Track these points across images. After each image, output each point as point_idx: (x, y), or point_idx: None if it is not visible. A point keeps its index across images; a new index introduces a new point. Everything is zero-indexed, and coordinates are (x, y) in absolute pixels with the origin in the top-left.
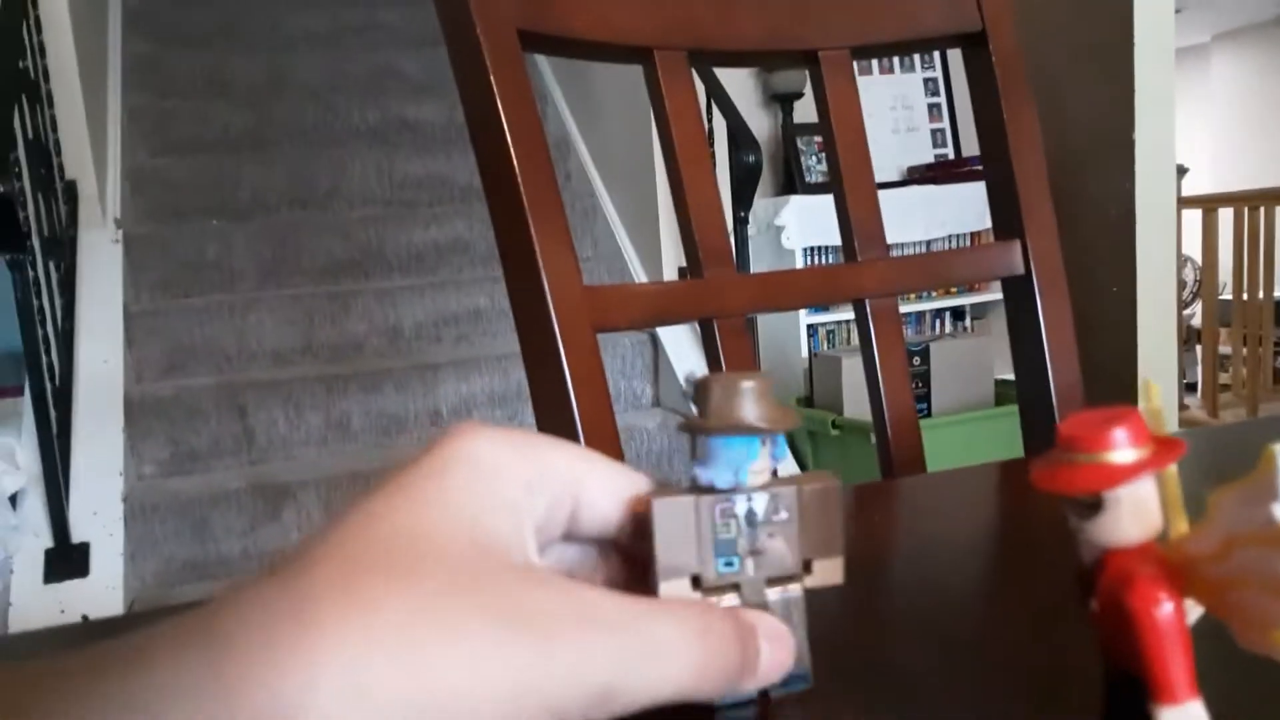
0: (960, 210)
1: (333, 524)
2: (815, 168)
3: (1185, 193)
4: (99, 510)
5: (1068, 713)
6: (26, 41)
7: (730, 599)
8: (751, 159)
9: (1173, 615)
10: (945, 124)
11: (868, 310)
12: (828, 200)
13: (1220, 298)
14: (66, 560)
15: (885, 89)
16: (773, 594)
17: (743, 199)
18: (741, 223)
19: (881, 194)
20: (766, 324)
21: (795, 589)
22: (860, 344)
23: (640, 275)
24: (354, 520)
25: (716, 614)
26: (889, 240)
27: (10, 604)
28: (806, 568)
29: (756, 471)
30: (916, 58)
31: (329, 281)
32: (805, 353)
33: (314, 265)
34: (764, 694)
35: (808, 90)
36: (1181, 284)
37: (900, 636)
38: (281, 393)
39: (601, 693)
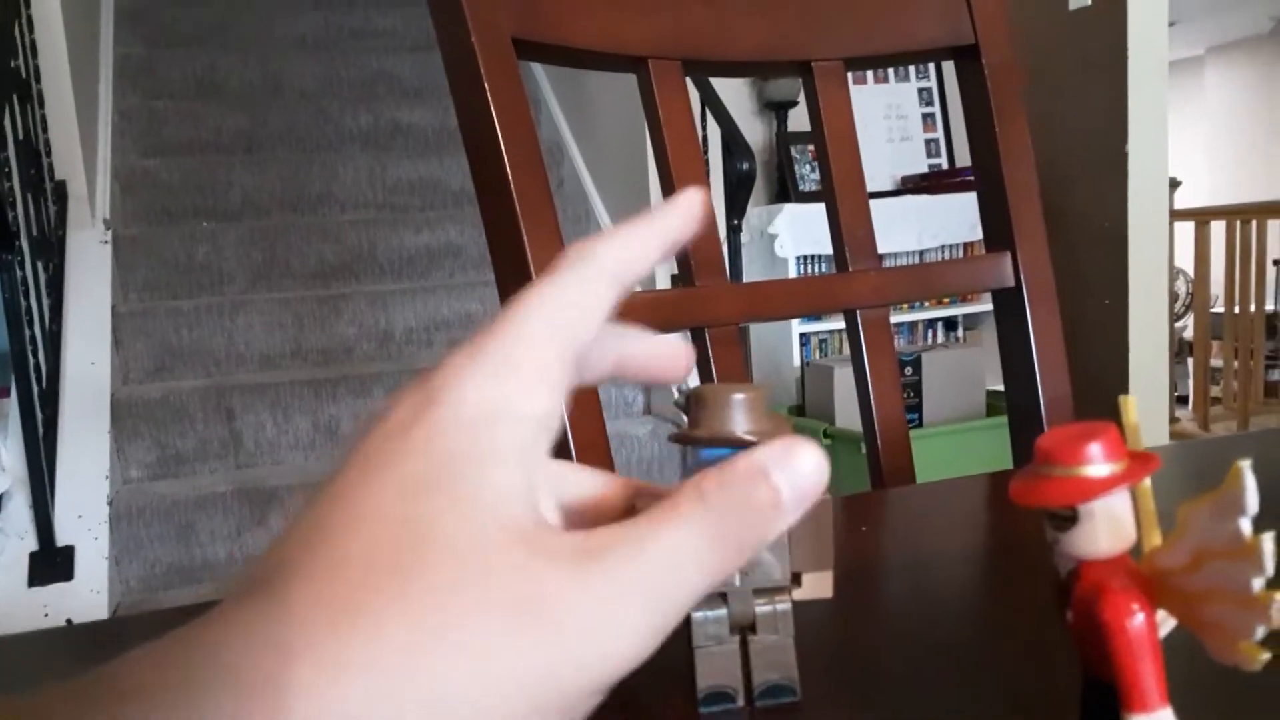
0: (953, 220)
1: (315, 525)
2: (809, 176)
3: (1178, 205)
4: (84, 513)
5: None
6: (18, 41)
7: (719, 611)
8: (745, 167)
9: (1144, 626)
10: (939, 134)
11: (859, 320)
12: (821, 209)
13: (1212, 311)
14: (51, 563)
15: (879, 98)
16: (760, 605)
17: (736, 207)
18: (735, 230)
19: (874, 203)
20: (759, 333)
21: (784, 601)
22: (851, 354)
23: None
24: (340, 523)
25: (721, 495)
26: (881, 250)
27: None
28: (796, 580)
29: None
30: (911, 68)
31: (319, 285)
32: (797, 362)
33: (304, 268)
34: (748, 702)
35: (802, 98)
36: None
37: (884, 645)
38: (270, 396)
39: (644, 643)
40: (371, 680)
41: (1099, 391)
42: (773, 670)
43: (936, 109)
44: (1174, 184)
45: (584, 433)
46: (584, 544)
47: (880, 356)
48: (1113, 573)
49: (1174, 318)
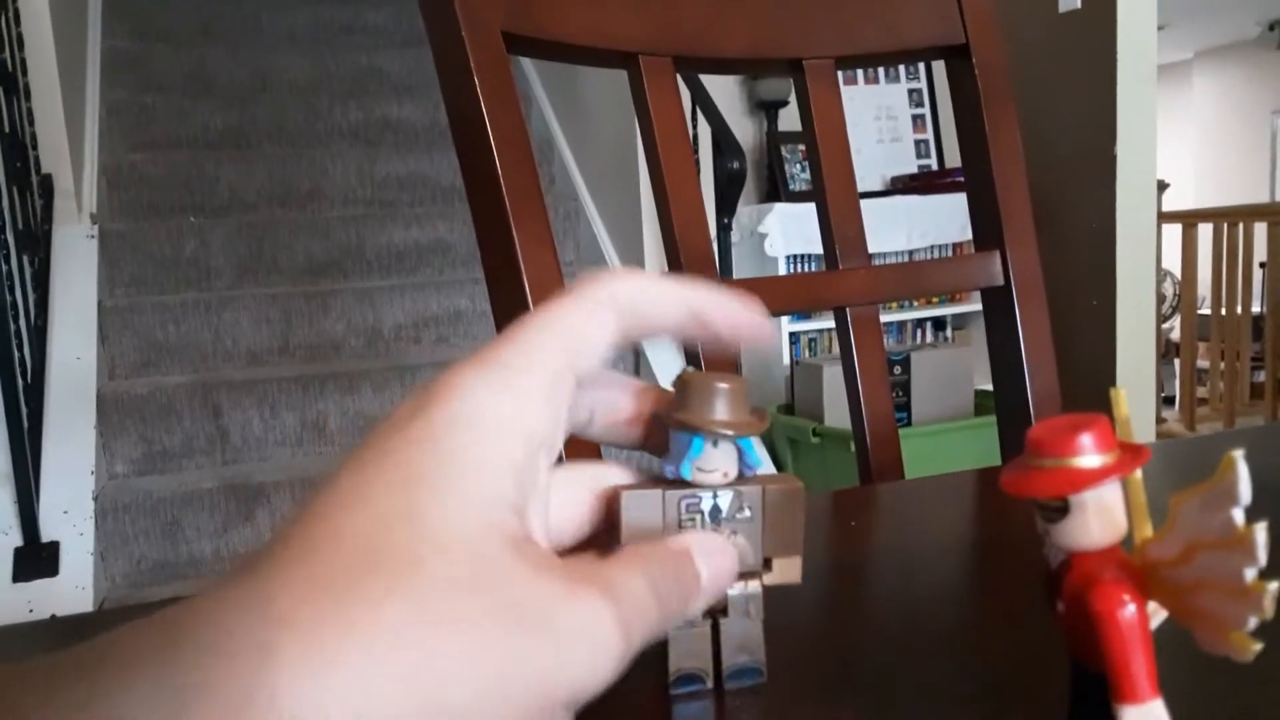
0: (943, 221)
1: (315, 507)
2: (799, 175)
3: (1166, 208)
4: (69, 509)
5: (1032, 710)
6: (5, 33)
7: None
8: (735, 166)
9: (1135, 617)
10: (929, 135)
11: (848, 318)
12: (811, 208)
13: (1199, 312)
14: (36, 559)
15: (870, 99)
16: (733, 589)
17: (726, 206)
18: (725, 229)
19: (864, 203)
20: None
21: (755, 584)
22: (840, 352)
23: None
24: (338, 505)
25: (657, 555)
26: (871, 250)
27: None
28: (767, 565)
29: (702, 469)
30: (901, 69)
31: (307, 281)
32: (787, 360)
33: (292, 264)
34: (718, 685)
35: (792, 98)
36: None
37: (864, 635)
38: (257, 392)
39: (615, 664)
40: (368, 660)
41: (1087, 391)
42: (741, 652)
43: (926, 110)
44: (1162, 186)
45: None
46: (565, 566)
47: (870, 354)
48: (1104, 564)
49: (1161, 319)
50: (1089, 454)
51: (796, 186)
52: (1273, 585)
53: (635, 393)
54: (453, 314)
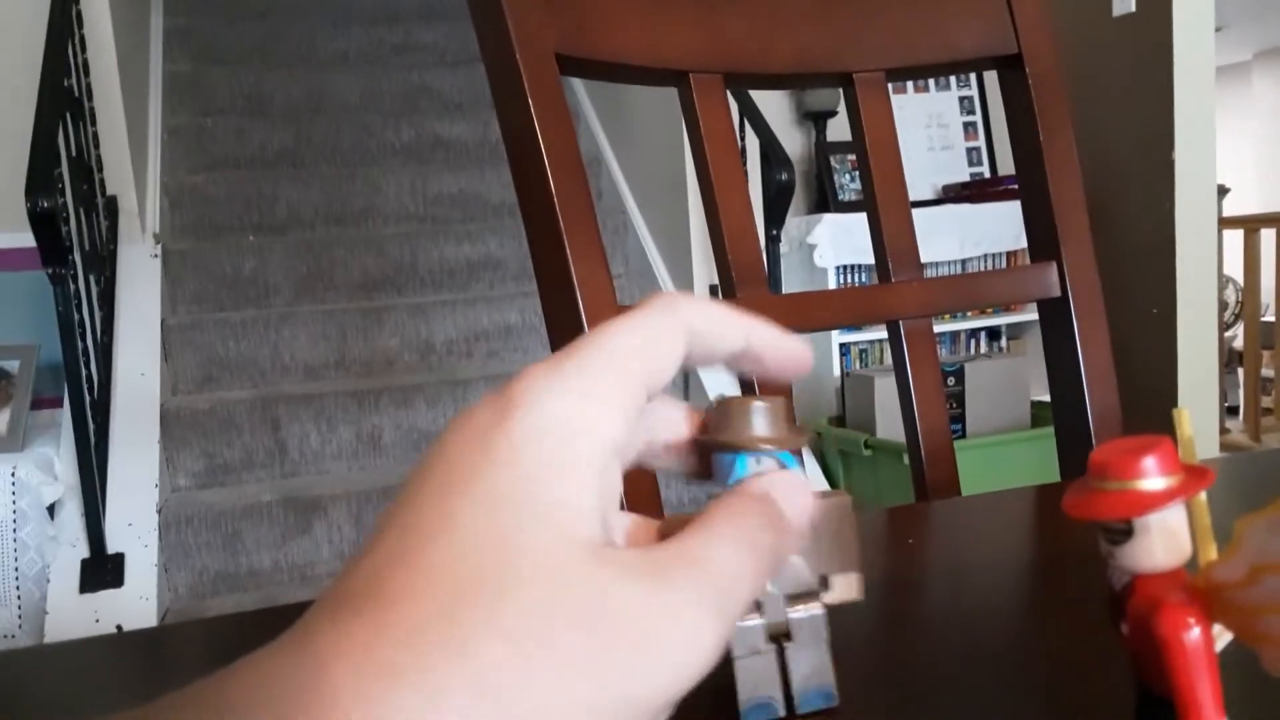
0: (996, 229)
1: (403, 537)
2: (848, 186)
3: (1227, 213)
4: (134, 521)
5: None
6: (71, 60)
7: (755, 620)
8: (784, 177)
9: (1200, 640)
10: (981, 142)
11: (901, 331)
12: (860, 218)
13: (1263, 319)
14: (102, 570)
15: (920, 107)
16: (795, 612)
17: (775, 217)
18: (774, 240)
19: (916, 212)
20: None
21: (817, 607)
22: (894, 365)
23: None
24: (427, 534)
25: (738, 508)
26: (924, 259)
27: (47, 612)
28: (824, 584)
29: None
30: (952, 76)
31: (362, 297)
32: (837, 372)
33: (348, 281)
34: (789, 710)
35: (841, 108)
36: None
37: (930, 656)
38: (314, 406)
39: (711, 653)
40: (471, 700)
41: (1148, 402)
42: (811, 678)
43: (978, 117)
44: (1222, 191)
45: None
46: (649, 560)
47: (924, 368)
48: (1168, 587)
49: (1224, 327)
50: (1153, 477)
51: (846, 196)
52: None
53: (685, 415)
54: (504, 328)
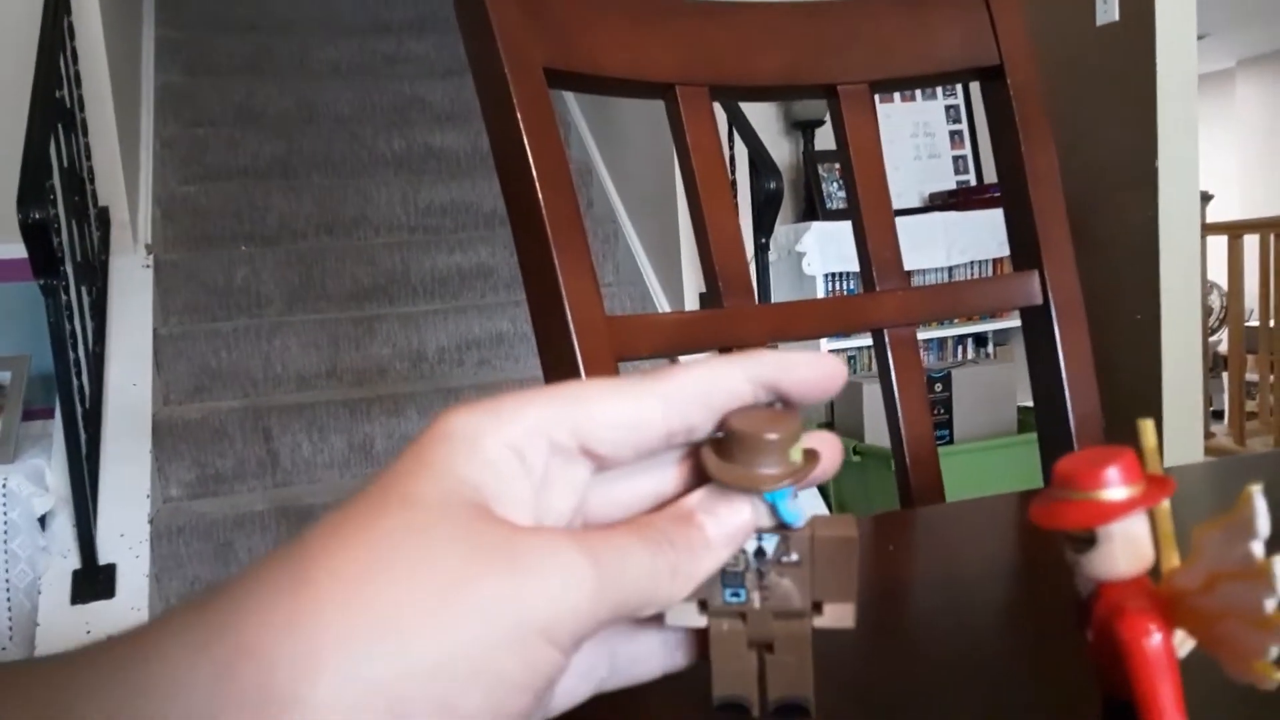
0: (982, 237)
1: (331, 513)
2: (836, 194)
3: (1211, 219)
4: (126, 531)
5: None
6: (63, 72)
7: (737, 624)
8: (772, 186)
9: (1161, 646)
10: (967, 151)
11: (886, 340)
12: (848, 226)
13: (1246, 324)
14: (93, 581)
15: (907, 116)
16: (779, 625)
17: (764, 225)
18: (763, 249)
19: (903, 220)
20: (788, 350)
21: (802, 624)
22: (879, 373)
23: (662, 300)
24: (350, 506)
25: (661, 526)
26: (910, 266)
27: (38, 624)
28: (818, 609)
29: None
30: (939, 86)
31: (354, 306)
32: None
33: (340, 290)
34: (762, 712)
35: (829, 118)
36: (1207, 311)
37: (903, 664)
38: (306, 416)
39: (585, 592)
40: (344, 599)
41: (1133, 407)
42: (789, 688)
43: (964, 126)
44: (1206, 198)
45: None
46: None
47: (908, 375)
48: (1131, 593)
49: (1208, 332)
50: (1115, 486)
51: (834, 205)
52: None
53: (683, 465)
54: (495, 337)
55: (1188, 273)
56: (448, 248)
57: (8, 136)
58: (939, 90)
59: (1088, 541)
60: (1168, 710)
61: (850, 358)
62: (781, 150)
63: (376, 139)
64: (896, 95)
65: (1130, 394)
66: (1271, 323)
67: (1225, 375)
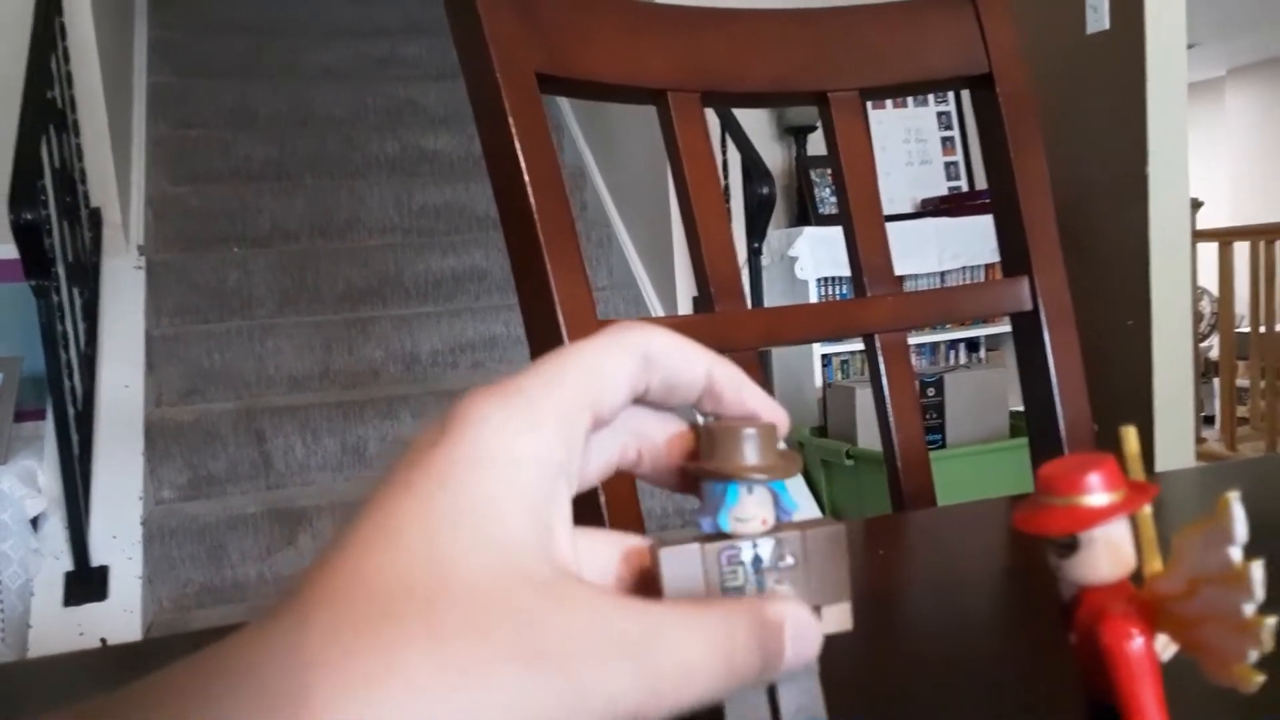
0: (974, 242)
1: (340, 547)
2: (828, 199)
3: (1201, 226)
4: (118, 534)
5: None
6: (54, 72)
7: None
8: (765, 190)
9: (1142, 649)
10: (959, 157)
11: (877, 344)
12: (841, 231)
13: (1237, 330)
14: (86, 583)
15: (899, 122)
16: None
17: (756, 230)
18: (755, 253)
19: (895, 226)
20: (780, 354)
21: None
22: (870, 378)
23: (655, 303)
24: (362, 544)
25: (741, 622)
26: (902, 271)
27: (30, 626)
28: (816, 614)
29: (740, 518)
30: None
31: (347, 309)
32: (819, 383)
33: (333, 292)
34: None
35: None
36: (1198, 317)
37: (890, 665)
38: (299, 418)
39: (631, 717)
40: (398, 705)
41: (1124, 413)
42: (801, 710)
43: (956, 133)
44: (1196, 205)
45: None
46: (605, 603)
47: (899, 380)
48: (1113, 598)
49: (1199, 338)
50: (1097, 492)
51: (826, 210)
52: (1271, 620)
53: (683, 435)
54: (488, 339)
55: (1178, 279)
56: (441, 250)
57: None
58: (931, 97)
59: (1070, 546)
60: (1149, 713)
61: (844, 362)
62: (774, 155)
63: (370, 141)
64: (889, 102)
65: (1122, 399)
66: (1262, 329)
67: (1216, 381)
